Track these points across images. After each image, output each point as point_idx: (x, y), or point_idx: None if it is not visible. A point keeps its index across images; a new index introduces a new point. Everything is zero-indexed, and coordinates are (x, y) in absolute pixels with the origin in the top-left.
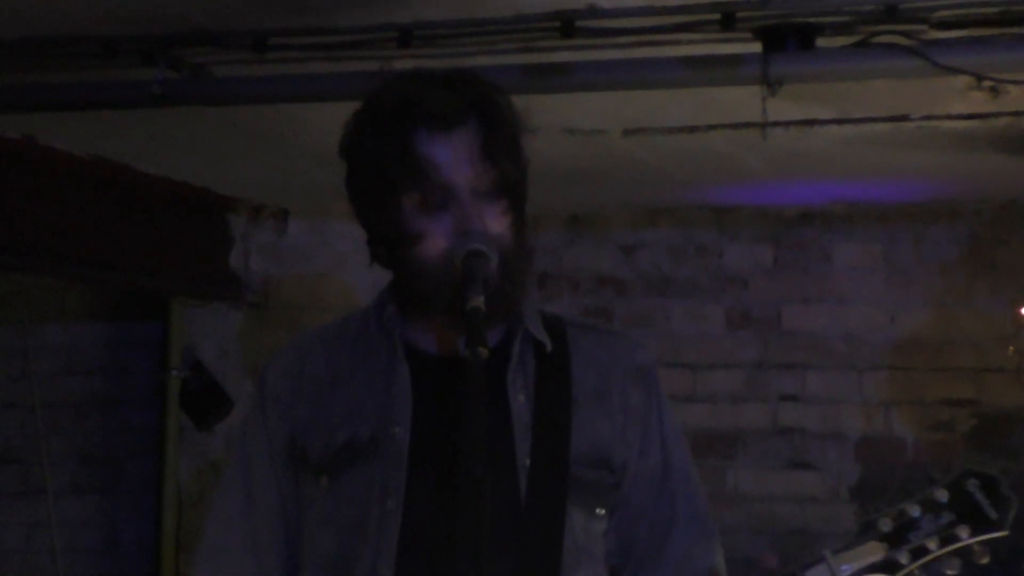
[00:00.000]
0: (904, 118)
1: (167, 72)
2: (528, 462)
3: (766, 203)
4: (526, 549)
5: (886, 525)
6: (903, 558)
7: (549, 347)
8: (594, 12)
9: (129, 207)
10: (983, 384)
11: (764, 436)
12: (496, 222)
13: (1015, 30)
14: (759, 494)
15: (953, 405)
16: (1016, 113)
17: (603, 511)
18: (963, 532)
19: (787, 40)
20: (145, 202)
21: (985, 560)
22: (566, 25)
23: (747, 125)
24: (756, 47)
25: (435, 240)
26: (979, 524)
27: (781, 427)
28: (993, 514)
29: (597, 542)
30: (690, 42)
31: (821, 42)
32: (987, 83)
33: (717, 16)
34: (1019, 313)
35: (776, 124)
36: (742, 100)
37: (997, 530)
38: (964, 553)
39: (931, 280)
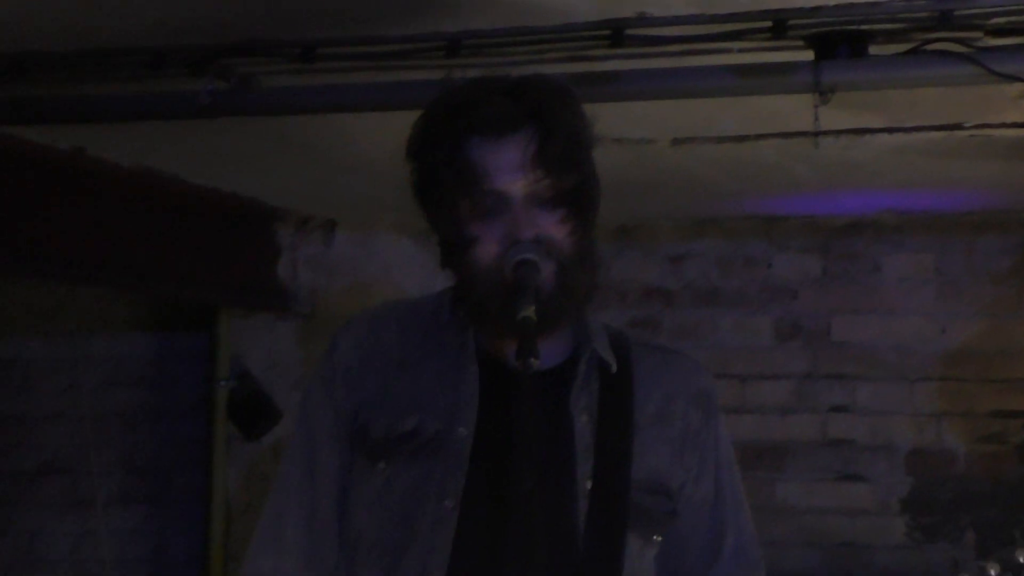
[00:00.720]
0: (957, 127)
1: (215, 83)
2: (589, 484)
3: (815, 213)
4: (584, 573)
5: (995, 570)
6: None
7: (615, 368)
8: (644, 20)
9: (177, 218)
10: None
11: (813, 448)
12: (554, 230)
13: None
14: (808, 507)
15: (1005, 417)
16: None
17: (659, 538)
18: None
19: (839, 48)
20: (193, 213)
21: None
22: (615, 33)
23: (798, 134)
24: (807, 55)
25: (487, 246)
26: None
27: (830, 439)
28: None
29: (650, 569)
30: (740, 50)
31: (873, 49)
32: None
33: (768, 24)
34: None
35: (827, 133)
36: (793, 109)
37: None
38: None
39: (982, 291)
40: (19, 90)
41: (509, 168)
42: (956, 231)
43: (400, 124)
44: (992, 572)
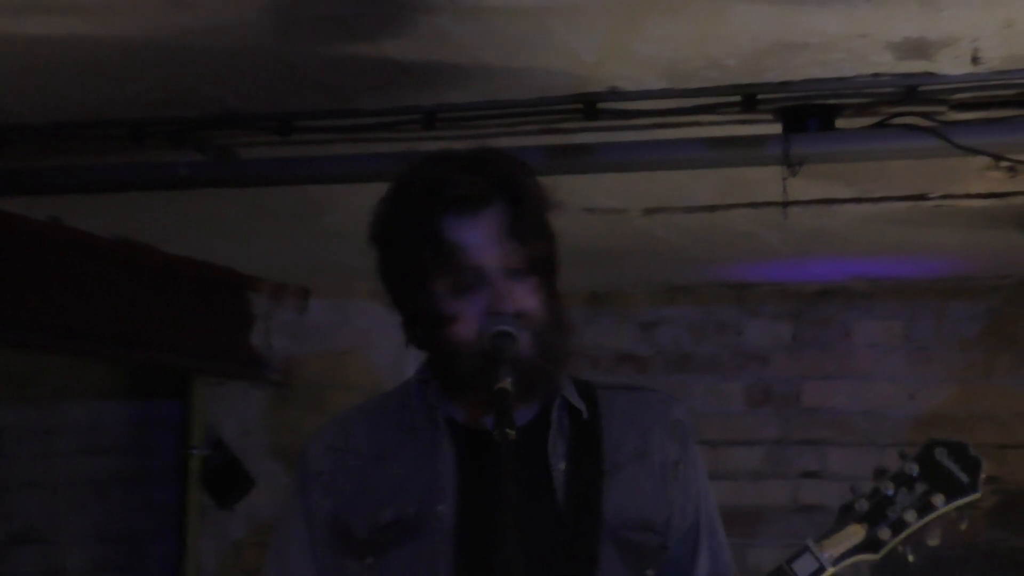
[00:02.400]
0: (923, 197)
1: (193, 154)
2: (565, 526)
3: (786, 280)
4: None
5: (862, 506)
6: (884, 534)
7: (586, 414)
8: (616, 94)
9: (152, 286)
10: (1005, 461)
11: (785, 514)
12: (527, 300)
13: None
14: None
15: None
16: None
17: (652, 572)
18: (938, 500)
19: (808, 121)
20: (168, 281)
21: (964, 526)
22: (588, 107)
23: (768, 204)
24: (777, 128)
25: (467, 322)
26: (952, 491)
27: (802, 504)
28: (964, 478)
29: None
30: (711, 123)
31: (841, 123)
32: (1005, 163)
33: (738, 98)
34: None
35: (796, 203)
36: (763, 179)
37: (970, 494)
38: (943, 522)
39: (951, 356)
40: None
41: (485, 243)
42: (925, 297)
43: (375, 194)
44: None
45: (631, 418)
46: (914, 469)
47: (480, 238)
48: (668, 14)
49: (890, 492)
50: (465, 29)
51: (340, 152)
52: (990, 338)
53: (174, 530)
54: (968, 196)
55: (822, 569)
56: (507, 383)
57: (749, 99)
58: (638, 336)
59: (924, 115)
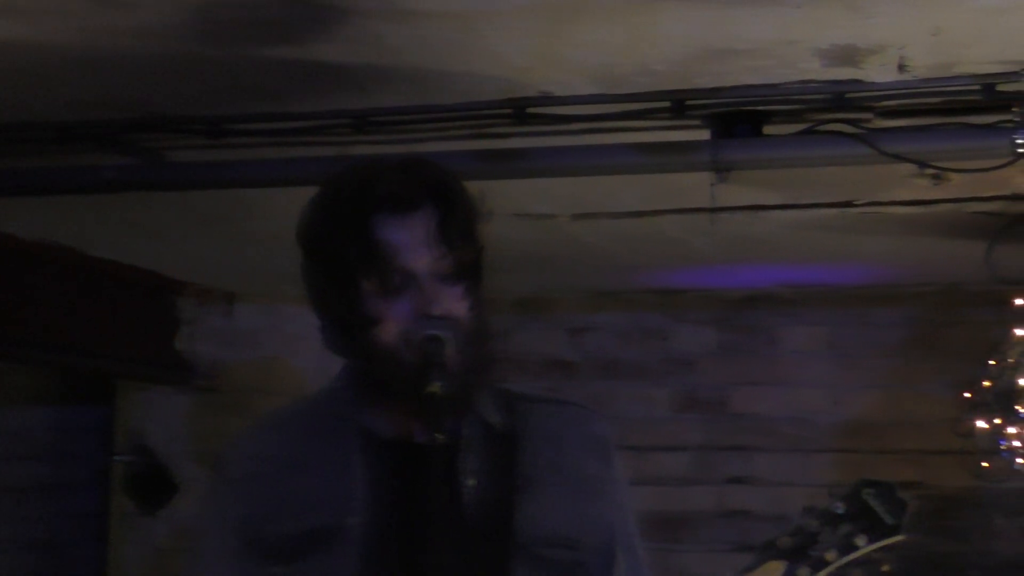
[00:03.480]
0: (849, 204)
1: (121, 157)
2: (476, 542)
3: (713, 286)
4: None
5: (785, 543)
6: (803, 573)
7: (501, 428)
8: (546, 99)
9: (76, 290)
10: (927, 466)
11: (710, 519)
12: (455, 305)
13: (957, 119)
14: None
15: (900, 487)
16: (957, 200)
17: None
18: (860, 541)
19: (736, 127)
20: (92, 285)
21: (886, 567)
22: (519, 112)
23: (696, 210)
24: (705, 134)
25: (393, 324)
26: (876, 531)
27: (728, 510)
28: (889, 520)
29: None
30: (641, 128)
31: (769, 129)
32: (930, 171)
33: (667, 104)
34: (962, 395)
35: (724, 209)
36: (692, 185)
37: (894, 535)
38: (865, 562)
39: (875, 363)
40: None
41: (415, 244)
42: (850, 304)
43: (305, 198)
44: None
45: (550, 432)
46: (840, 508)
47: (410, 239)
48: (598, 19)
49: (814, 529)
50: (396, 33)
51: (270, 156)
52: (913, 345)
53: (98, 537)
54: (894, 203)
55: None
56: (437, 387)
57: (678, 105)
58: (566, 342)
59: (851, 122)
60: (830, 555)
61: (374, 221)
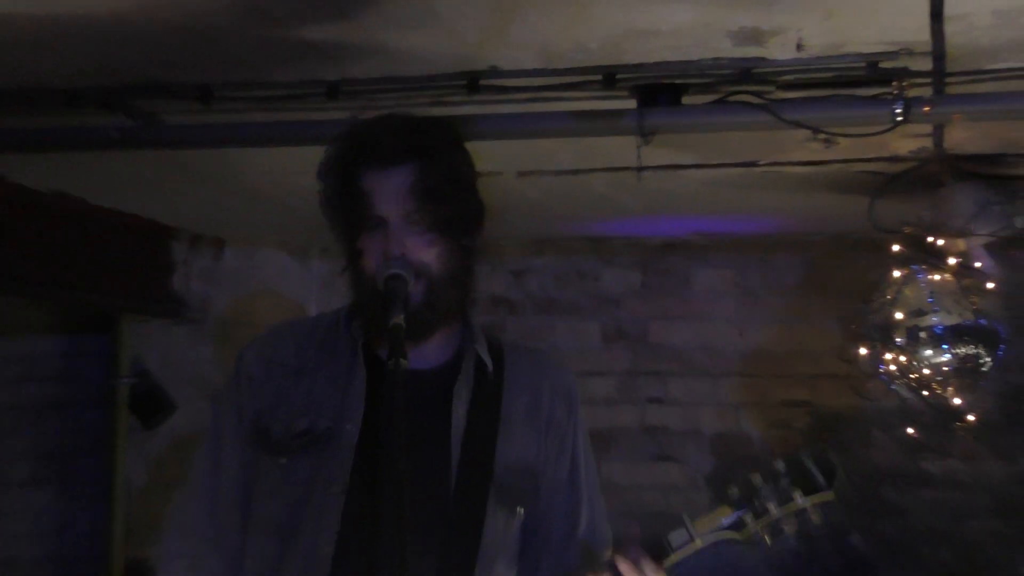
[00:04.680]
0: (753, 164)
1: (123, 119)
2: (458, 465)
3: (636, 234)
4: (450, 541)
5: (735, 493)
6: (748, 518)
7: (491, 368)
8: (495, 72)
9: (84, 236)
10: (817, 388)
11: (633, 434)
12: (423, 252)
13: (846, 91)
14: (630, 483)
15: (792, 406)
16: (845, 160)
17: (522, 510)
18: (797, 496)
19: (658, 97)
20: (98, 231)
21: (817, 520)
22: (471, 83)
23: (623, 169)
24: (632, 103)
25: (369, 258)
26: (810, 488)
27: (648, 426)
28: (822, 480)
29: (513, 538)
30: (577, 98)
31: (687, 100)
32: (822, 136)
33: (599, 77)
34: (848, 327)
35: (647, 168)
36: (620, 148)
37: (825, 492)
38: (799, 514)
39: (774, 301)
40: None
41: (389, 196)
42: (753, 251)
43: (283, 157)
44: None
45: (528, 378)
46: (782, 467)
47: (385, 191)
48: (541, 3)
49: (759, 484)
50: (365, 12)
51: (254, 119)
52: (807, 286)
53: (103, 449)
54: (791, 164)
55: (691, 540)
56: (400, 319)
57: (609, 78)
58: (510, 282)
59: (756, 94)
60: (771, 506)
61: (362, 172)
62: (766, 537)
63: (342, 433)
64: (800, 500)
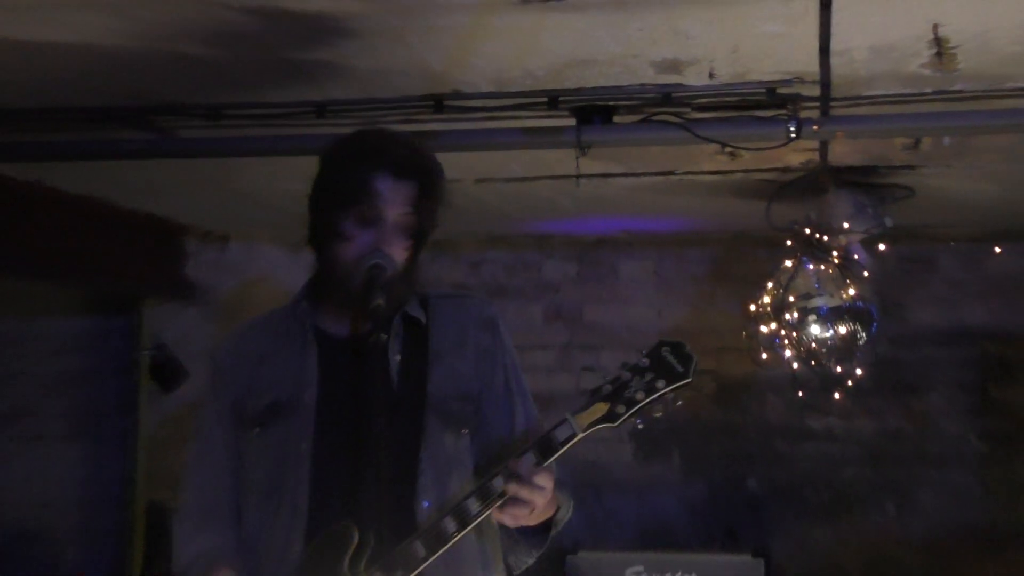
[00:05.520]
0: (671, 173)
1: (141, 134)
2: (397, 400)
3: (574, 232)
4: (392, 458)
5: (607, 389)
6: (620, 409)
7: (424, 320)
8: (457, 95)
9: (109, 231)
10: (722, 359)
11: (570, 397)
12: (399, 252)
13: (749, 113)
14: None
15: (701, 374)
16: (747, 170)
17: (467, 431)
18: (660, 384)
19: (594, 117)
20: (121, 228)
21: (678, 403)
22: (437, 104)
23: (564, 177)
24: (572, 122)
25: (356, 245)
26: (671, 377)
27: (582, 390)
28: (680, 368)
29: (465, 455)
30: (525, 117)
31: (617, 119)
32: (728, 149)
33: (544, 99)
34: (748, 309)
35: (584, 176)
36: (561, 159)
37: (684, 380)
38: (663, 400)
39: (687, 287)
40: None
41: (395, 201)
42: (670, 246)
43: (278, 166)
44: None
45: (453, 318)
46: (645, 362)
47: (393, 196)
48: (495, 37)
49: (628, 378)
50: (347, 44)
51: (254, 134)
52: (714, 275)
53: (128, 409)
54: (702, 173)
55: (574, 435)
56: (381, 301)
57: (552, 100)
58: (468, 272)
59: (676, 114)
60: (639, 396)
61: (375, 174)
62: (639, 424)
63: (303, 401)
64: (663, 388)
